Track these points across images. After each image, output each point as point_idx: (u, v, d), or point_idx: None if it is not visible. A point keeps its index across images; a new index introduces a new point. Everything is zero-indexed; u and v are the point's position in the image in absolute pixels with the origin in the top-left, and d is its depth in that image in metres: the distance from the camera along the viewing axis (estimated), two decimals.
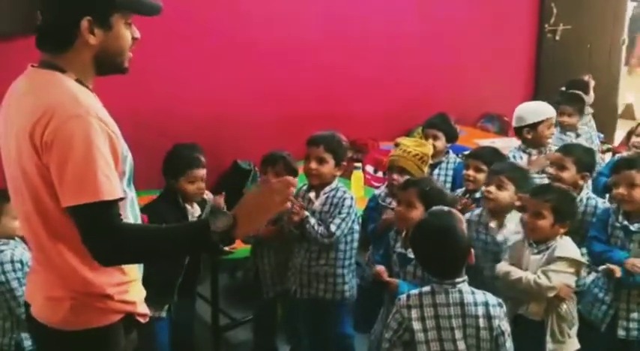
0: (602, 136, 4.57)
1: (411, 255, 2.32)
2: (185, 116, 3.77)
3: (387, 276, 2.41)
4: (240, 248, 2.89)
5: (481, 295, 1.97)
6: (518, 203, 2.59)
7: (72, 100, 1.45)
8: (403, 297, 2.02)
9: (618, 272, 2.43)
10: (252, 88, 4.05)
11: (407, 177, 2.77)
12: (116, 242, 1.43)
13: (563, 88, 4.54)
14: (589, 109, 4.47)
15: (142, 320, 1.68)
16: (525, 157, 3.28)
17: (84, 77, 1.54)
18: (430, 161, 2.98)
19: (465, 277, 2.00)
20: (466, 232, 2.05)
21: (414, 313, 1.96)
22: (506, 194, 2.58)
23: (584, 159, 2.84)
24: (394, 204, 2.69)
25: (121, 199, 1.46)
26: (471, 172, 2.90)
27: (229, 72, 3.97)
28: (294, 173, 2.83)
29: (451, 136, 3.39)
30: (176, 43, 3.71)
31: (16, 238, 2.47)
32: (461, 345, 1.93)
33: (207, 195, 2.88)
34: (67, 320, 1.54)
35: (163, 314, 2.70)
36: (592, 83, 4.78)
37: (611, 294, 2.52)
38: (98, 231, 1.42)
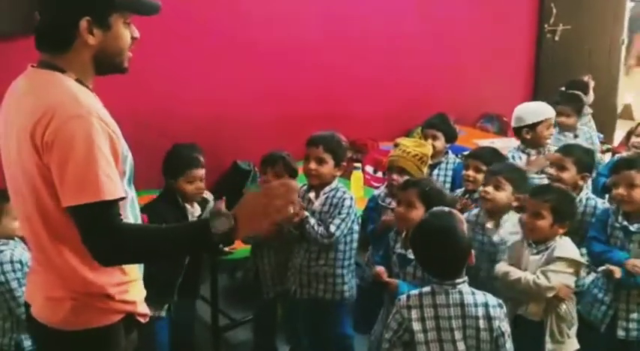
0: (601, 136, 4.57)
1: (411, 256, 2.32)
2: (185, 116, 3.77)
3: (386, 277, 2.41)
4: (240, 248, 2.89)
5: (481, 296, 1.97)
6: (515, 204, 2.60)
7: (72, 100, 1.45)
8: (403, 297, 2.02)
9: (618, 273, 2.43)
10: (252, 88, 4.05)
11: (406, 177, 2.77)
12: (116, 242, 1.43)
13: (563, 89, 4.54)
14: (588, 110, 4.47)
15: (142, 320, 1.68)
16: (524, 157, 3.28)
17: (84, 77, 1.54)
18: (429, 161, 2.98)
19: (466, 278, 2.00)
20: (467, 232, 2.05)
21: (414, 314, 1.96)
22: (504, 195, 2.58)
23: (584, 159, 2.84)
24: (394, 204, 2.69)
25: (122, 198, 1.46)
26: (470, 173, 2.90)
27: (229, 72, 3.97)
28: (294, 173, 2.84)
29: (450, 137, 3.39)
30: (176, 43, 3.71)
31: (16, 238, 2.47)
32: (461, 346, 1.93)
33: (208, 195, 2.88)
34: (67, 320, 1.54)
35: (163, 314, 2.70)
36: (592, 84, 4.78)
37: (611, 294, 2.52)
38: (98, 231, 1.42)
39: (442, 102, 4.52)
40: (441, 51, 5.03)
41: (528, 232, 2.44)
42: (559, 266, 2.34)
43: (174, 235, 1.51)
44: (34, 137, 1.42)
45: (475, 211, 2.70)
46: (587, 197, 2.80)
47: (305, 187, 2.80)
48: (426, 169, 2.94)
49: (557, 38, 5.72)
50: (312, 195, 2.75)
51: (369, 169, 3.93)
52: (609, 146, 4.71)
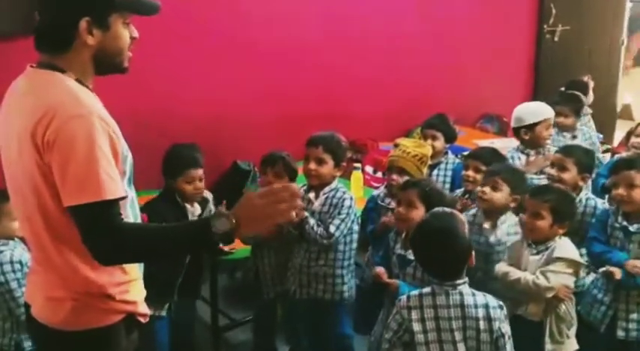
0: (601, 136, 4.57)
1: (411, 256, 2.32)
2: (185, 116, 3.77)
3: (386, 277, 2.41)
4: (240, 248, 2.89)
5: (482, 297, 1.97)
6: (513, 205, 2.60)
7: (73, 99, 1.45)
8: (403, 298, 2.02)
9: (618, 274, 2.43)
10: (252, 88, 4.05)
11: (406, 177, 2.78)
12: (117, 242, 1.43)
13: (563, 89, 4.54)
14: (588, 110, 4.47)
15: (142, 320, 1.68)
16: (524, 157, 3.28)
17: (83, 77, 1.54)
18: (429, 162, 2.98)
19: (466, 279, 2.00)
20: (467, 233, 2.05)
21: (414, 314, 1.96)
22: (501, 195, 2.58)
23: (584, 160, 2.84)
24: (393, 204, 2.69)
25: (122, 198, 1.47)
26: (470, 173, 2.90)
27: (229, 72, 3.97)
28: (294, 174, 2.84)
29: (450, 137, 3.38)
30: (176, 43, 3.71)
31: (16, 238, 2.47)
32: (461, 347, 1.93)
33: (207, 194, 2.88)
34: (68, 321, 1.54)
35: (163, 313, 2.70)
36: (591, 84, 4.78)
37: (610, 295, 2.52)
38: (99, 230, 1.42)
39: (442, 102, 4.52)
40: (441, 51, 5.03)
41: (528, 232, 2.44)
42: (558, 267, 2.34)
43: (174, 234, 1.51)
44: (35, 137, 1.42)
45: (473, 211, 2.70)
46: (586, 197, 2.80)
47: (305, 188, 2.80)
48: (425, 170, 2.94)
49: (556, 38, 5.72)
50: (311, 195, 2.75)
51: (369, 169, 3.93)
52: (609, 146, 4.71)
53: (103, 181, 1.40)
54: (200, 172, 2.72)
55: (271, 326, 3.14)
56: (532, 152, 3.29)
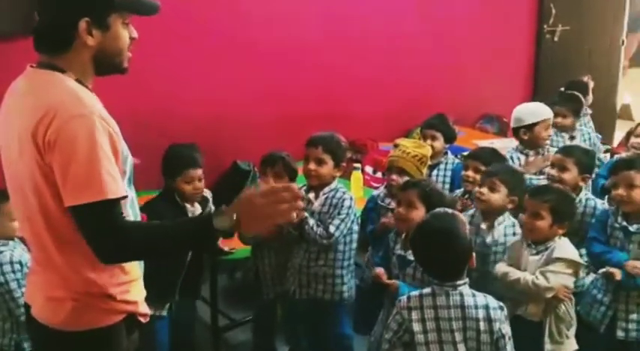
0: (600, 136, 4.57)
1: (411, 257, 2.32)
2: (185, 116, 3.77)
3: (386, 278, 2.41)
4: (240, 249, 2.89)
5: (482, 298, 1.97)
6: (510, 206, 2.60)
7: (74, 99, 1.45)
8: (404, 298, 2.02)
9: (618, 275, 2.43)
10: (252, 88, 4.05)
11: (406, 178, 2.78)
12: (121, 240, 1.44)
13: (563, 89, 4.53)
14: (588, 110, 4.47)
15: (143, 320, 1.68)
16: (523, 158, 3.28)
17: (83, 77, 1.54)
18: (429, 162, 2.98)
19: (467, 280, 2.00)
20: (468, 234, 2.05)
21: (415, 315, 1.96)
22: (498, 196, 2.57)
23: (585, 160, 2.84)
24: (393, 204, 2.69)
25: (124, 197, 1.47)
26: (470, 173, 2.90)
27: (229, 72, 3.97)
28: (294, 174, 2.84)
29: (449, 137, 3.38)
30: (176, 43, 3.71)
31: (16, 238, 2.47)
32: (461, 348, 1.93)
33: (207, 193, 2.88)
34: (68, 321, 1.54)
35: (164, 313, 2.70)
36: (591, 84, 4.77)
37: (610, 295, 2.52)
38: (103, 230, 1.42)
39: (442, 102, 4.53)
40: (441, 51, 5.03)
41: (528, 232, 2.44)
42: (558, 267, 2.34)
43: (176, 231, 1.53)
44: (36, 137, 1.42)
45: (471, 211, 2.70)
46: (586, 198, 2.80)
47: (305, 188, 2.80)
48: (425, 170, 2.94)
49: (556, 39, 5.72)
50: (311, 195, 2.75)
51: (369, 169, 3.94)
52: (609, 147, 4.71)
53: (105, 180, 1.41)
54: (199, 172, 2.72)
55: (271, 326, 3.14)
56: (531, 152, 3.29)
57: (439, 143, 3.30)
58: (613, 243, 2.54)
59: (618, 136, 5.30)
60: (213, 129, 3.87)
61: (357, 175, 3.56)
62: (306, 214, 2.66)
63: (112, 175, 1.43)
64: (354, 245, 2.80)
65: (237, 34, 3.97)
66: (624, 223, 2.50)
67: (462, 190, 2.97)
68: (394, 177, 2.85)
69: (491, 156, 2.96)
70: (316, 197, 2.74)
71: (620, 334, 2.50)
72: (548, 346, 2.36)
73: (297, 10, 4.20)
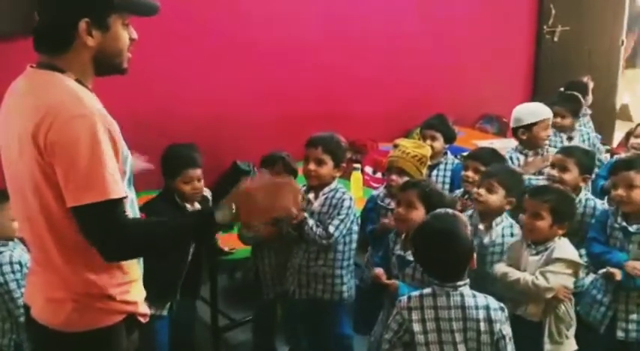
0: (600, 137, 4.57)
1: (410, 257, 2.32)
2: (185, 116, 3.77)
3: (385, 278, 2.41)
4: (240, 249, 2.89)
5: (482, 299, 1.97)
6: (508, 207, 2.60)
7: (74, 99, 1.45)
8: (404, 298, 2.02)
9: (618, 275, 2.43)
10: (252, 88, 4.05)
11: (405, 178, 2.78)
12: (124, 238, 1.44)
13: (562, 90, 4.53)
14: (587, 110, 4.47)
15: (143, 320, 1.68)
16: (522, 158, 3.28)
17: (83, 78, 1.54)
18: (428, 162, 2.99)
19: (467, 280, 1.99)
20: (470, 235, 2.04)
21: (415, 315, 1.95)
22: (495, 198, 2.57)
23: (585, 161, 2.84)
24: (392, 205, 2.69)
25: (125, 197, 1.47)
26: (470, 173, 2.90)
27: (229, 72, 3.97)
28: (294, 174, 2.84)
29: (449, 137, 3.38)
30: (176, 43, 3.71)
31: (15, 239, 2.47)
32: (461, 348, 1.93)
33: (207, 192, 2.87)
34: (68, 322, 1.54)
35: (164, 313, 2.70)
36: (591, 84, 4.77)
37: (610, 295, 2.52)
38: (107, 229, 1.43)
39: (442, 102, 4.53)
40: (441, 51, 5.03)
41: (527, 232, 2.44)
42: (558, 267, 2.34)
43: (176, 225, 1.56)
44: (37, 138, 1.42)
45: (469, 212, 2.70)
46: (586, 198, 2.80)
47: (304, 188, 2.80)
48: (425, 170, 2.94)
49: (556, 39, 5.72)
50: (311, 196, 2.75)
51: (369, 169, 3.94)
52: (608, 147, 4.71)
53: (108, 180, 1.41)
54: (198, 172, 2.71)
55: (271, 326, 3.14)
56: (530, 153, 3.29)
57: (439, 143, 3.30)
58: (613, 243, 2.54)
59: (618, 136, 5.30)
60: (213, 129, 3.87)
61: (356, 176, 3.57)
62: (305, 214, 2.66)
63: (114, 174, 1.43)
64: (354, 245, 2.80)
65: (237, 34, 3.97)
66: (624, 224, 2.50)
67: (462, 190, 2.97)
68: (394, 177, 2.85)
69: (491, 156, 2.96)
70: (316, 197, 2.74)
71: (620, 334, 2.50)
72: (547, 346, 2.36)
73: (297, 10, 4.20)
